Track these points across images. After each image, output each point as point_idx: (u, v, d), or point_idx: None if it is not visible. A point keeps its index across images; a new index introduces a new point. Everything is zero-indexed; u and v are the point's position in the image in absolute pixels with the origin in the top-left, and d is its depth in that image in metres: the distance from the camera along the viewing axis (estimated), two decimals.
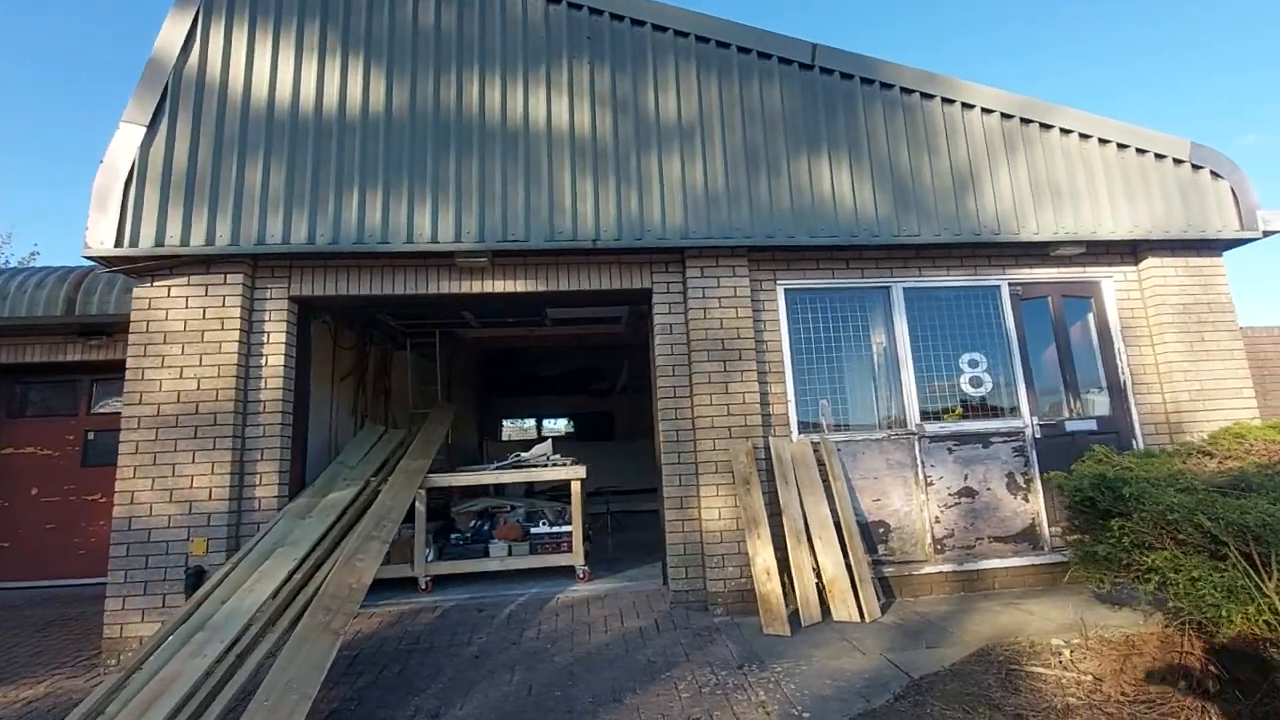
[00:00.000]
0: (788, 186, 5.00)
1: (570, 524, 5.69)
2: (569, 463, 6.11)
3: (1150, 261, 5.43)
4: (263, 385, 4.67)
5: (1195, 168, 5.33)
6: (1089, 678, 3.23)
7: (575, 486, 5.78)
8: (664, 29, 5.09)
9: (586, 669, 3.81)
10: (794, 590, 4.51)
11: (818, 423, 5.14)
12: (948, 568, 4.97)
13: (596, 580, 5.59)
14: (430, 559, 5.46)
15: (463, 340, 9.36)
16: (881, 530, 5.02)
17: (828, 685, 3.41)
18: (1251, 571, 2.26)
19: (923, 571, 4.95)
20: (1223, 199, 5.33)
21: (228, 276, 4.67)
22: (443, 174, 4.79)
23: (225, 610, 3.60)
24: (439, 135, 4.84)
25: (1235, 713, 2.59)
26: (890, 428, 5.20)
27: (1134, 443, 5.34)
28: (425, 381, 8.63)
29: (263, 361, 4.70)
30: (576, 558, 5.55)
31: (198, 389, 4.50)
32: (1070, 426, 5.35)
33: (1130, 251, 5.52)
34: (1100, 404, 5.48)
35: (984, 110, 5.22)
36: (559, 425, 16.22)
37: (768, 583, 4.45)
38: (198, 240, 4.55)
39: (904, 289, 5.34)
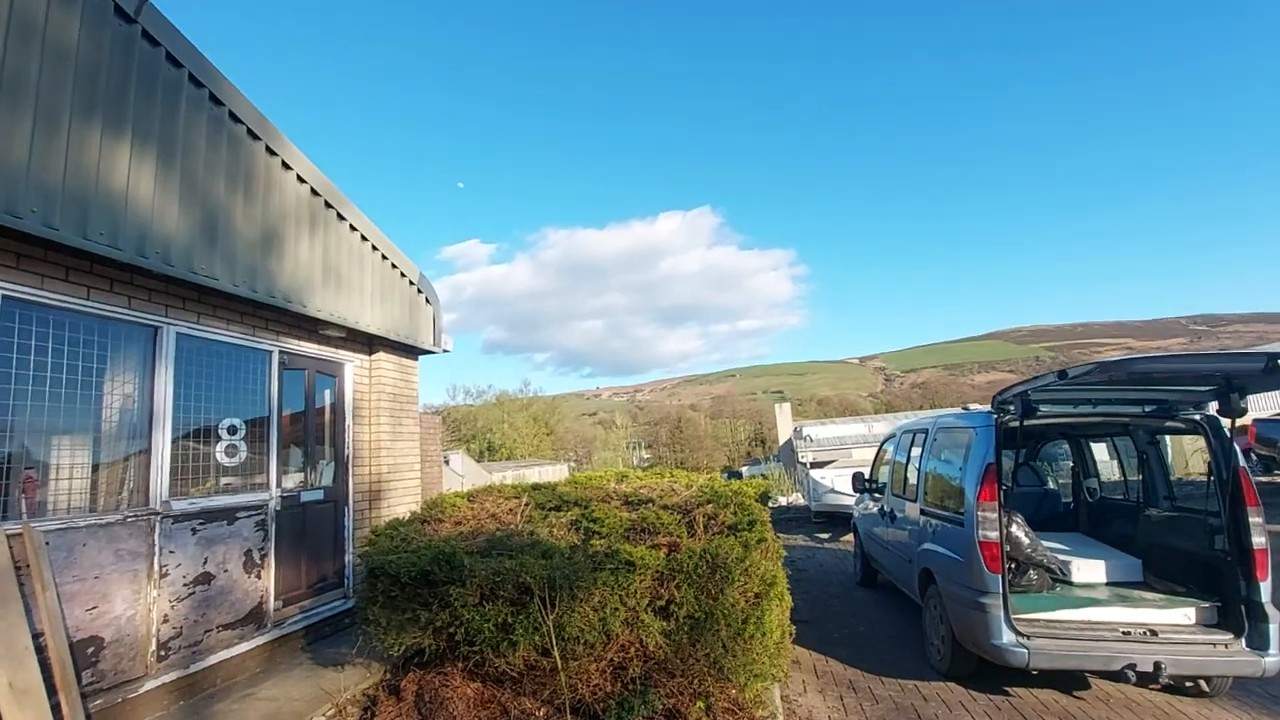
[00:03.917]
0: (64, 154, 3.39)
1: None
2: None
3: (380, 355, 6.55)
4: None
5: (419, 291, 6.92)
6: None
7: None
8: None
9: None
10: None
11: (14, 501, 3.42)
12: (172, 676, 4.14)
13: None
14: None
15: None
16: (92, 650, 3.71)
17: None
18: (544, 609, 3.26)
19: (142, 691, 3.94)
20: (429, 320, 7.11)
21: None
22: None
23: None
24: None
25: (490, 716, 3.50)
26: (128, 507, 4.02)
27: (348, 510, 6.08)
28: None
29: None
30: None
31: None
32: (305, 496, 5.59)
33: (368, 343, 6.49)
34: (329, 474, 5.99)
35: (299, 178, 5.16)
36: None
37: None
38: None
39: (177, 334, 4.40)
